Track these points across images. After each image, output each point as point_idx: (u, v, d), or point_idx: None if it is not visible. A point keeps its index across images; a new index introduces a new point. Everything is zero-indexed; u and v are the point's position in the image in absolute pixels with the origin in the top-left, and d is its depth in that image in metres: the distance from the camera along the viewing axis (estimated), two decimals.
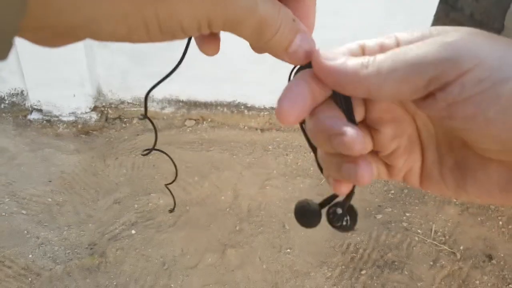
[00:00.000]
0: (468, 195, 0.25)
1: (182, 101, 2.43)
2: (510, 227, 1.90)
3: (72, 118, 2.31)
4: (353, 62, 0.22)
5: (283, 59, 0.25)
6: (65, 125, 2.32)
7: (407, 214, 1.93)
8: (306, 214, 0.30)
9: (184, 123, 2.41)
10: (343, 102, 0.25)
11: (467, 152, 0.24)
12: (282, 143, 2.32)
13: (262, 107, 2.44)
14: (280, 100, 0.24)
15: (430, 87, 0.21)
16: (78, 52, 2.14)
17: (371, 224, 1.87)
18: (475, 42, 0.20)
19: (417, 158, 0.27)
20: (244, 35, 0.22)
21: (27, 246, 1.70)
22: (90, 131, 2.31)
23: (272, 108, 2.45)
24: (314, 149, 0.29)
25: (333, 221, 0.28)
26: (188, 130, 2.37)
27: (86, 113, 2.33)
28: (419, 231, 1.86)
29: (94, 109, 2.37)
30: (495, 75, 0.19)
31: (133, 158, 2.13)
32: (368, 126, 0.27)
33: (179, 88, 2.35)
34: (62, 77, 2.21)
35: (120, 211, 1.86)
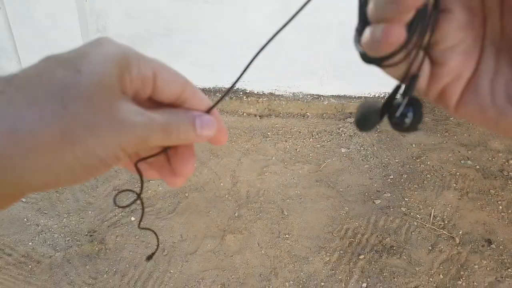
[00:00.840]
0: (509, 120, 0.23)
1: None
2: (510, 211, 1.90)
3: None
4: None
5: (201, 141, 0.29)
6: None
7: (406, 199, 1.93)
8: (365, 113, 0.27)
9: None
10: None
11: None
12: (281, 129, 2.31)
13: (261, 93, 2.43)
14: None
15: None
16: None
17: (370, 209, 1.87)
18: None
19: (471, 67, 0.25)
20: (158, 144, 0.27)
21: (27, 233, 1.71)
22: None
23: (271, 93, 2.43)
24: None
25: (393, 116, 0.25)
26: None
27: None
28: (418, 216, 1.85)
29: None
30: None
31: None
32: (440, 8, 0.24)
33: None
34: None
35: (119, 198, 1.87)
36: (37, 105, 0.22)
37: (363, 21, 0.25)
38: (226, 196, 1.90)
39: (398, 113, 0.25)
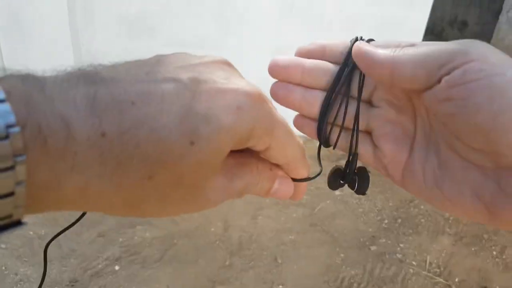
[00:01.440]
0: (443, 197, 0.26)
1: None
2: (503, 257, 1.88)
3: None
4: (383, 46, 0.27)
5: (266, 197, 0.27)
6: None
7: (401, 245, 1.89)
8: (331, 176, 0.32)
9: None
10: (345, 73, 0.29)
11: (452, 154, 0.26)
12: None
13: None
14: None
15: (441, 71, 0.24)
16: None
17: (366, 256, 1.82)
18: (484, 45, 0.24)
19: (404, 153, 0.29)
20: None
21: (5, 283, 1.60)
22: None
23: None
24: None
25: (345, 181, 0.31)
26: None
27: None
28: (413, 262, 1.81)
29: None
30: (494, 69, 0.23)
31: None
32: (371, 103, 0.30)
33: None
34: None
35: (104, 245, 1.79)
36: (124, 169, 0.19)
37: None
38: (217, 242, 1.83)
39: (346, 182, 0.31)
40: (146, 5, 2.16)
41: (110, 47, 2.20)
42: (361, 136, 0.30)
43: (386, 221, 2.02)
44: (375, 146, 0.30)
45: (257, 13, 2.12)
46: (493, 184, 0.24)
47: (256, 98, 0.22)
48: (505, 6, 3.01)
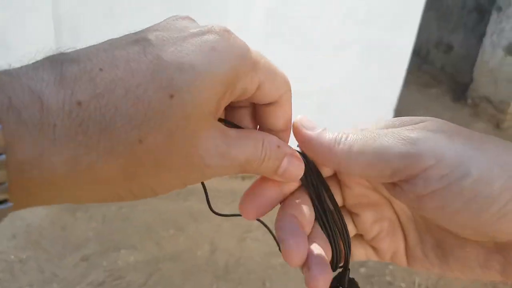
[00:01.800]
0: (453, 271, 0.26)
1: None
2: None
3: None
4: (328, 136, 0.25)
5: (275, 179, 0.26)
6: None
7: (390, 267, 1.87)
8: None
9: None
10: (312, 191, 0.27)
11: (445, 233, 0.26)
12: None
13: None
14: (242, 196, 0.26)
15: (395, 177, 0.23)
16: None
17: (355, 279, 1.79)
18: (436, 140, 0.22)
19: (401, 240, 0.29)
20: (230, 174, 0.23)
21: None
22: None
23: None
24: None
25: None
26: None
27: None
28: (402, 284, 1.79)
29: None
30: (456, 172, 0.21)
31: (105, 211, 2.03)
32: (349, 211, 0.29)
33: None
34: None
35: (88, 269, 1.74)
36: (110, 135, 0.18)
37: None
38: (203, 266, 1.79)
39: None
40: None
41: None
42: (358, 241, 0.30)
43: None
44: (374, 249, 0.30)
45: (245, 34, 2.14)
46: (498, 256, 0.24)
47: (228, 35, 0.20)
48: (489, 30, 3.09)
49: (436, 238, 0.27)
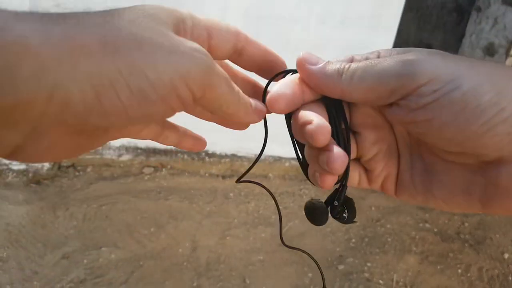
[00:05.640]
0: (435, 198, 0.27)
1: (141, 148, 2.37)
2: (468, 275, 1.91)
3: (22, 167, 2.19)
4: (331, 68, 0.26)
5: (244, 121, 0.28)
6: (14, 173, 2.19)
7: (368, 264, 1.91)
8: (314, 213, 0.31)
9: (142, 171, 2.34)
10: (331, 106, 0.28)
11: (434, 158, 0.27)
12: (244, 191, 2.29)
13: (224, 154, 2.42)
14: (273, 89, 0.27)
15: (393, 97, 0.24)
16: None
17: (334, 276, 1.82)
18: (431, 61, 0.23)
19: (395, 165, 0.30)
20: (217, 100, 0.24)
21: None
22: (42, 180, 2.19)
23: (233, 155, 2.43)
24: (296, 146, 0.31)
25: (333, 214, 0.30)
26: (146, 178, 2.29)
27: None
28: (380, 281, 1.83)
29: None
30: (447, 86, 0.22)
31: (85, 209, 2.02)
32: (352, 131, 0.30)
33: None
34: None
35: (68, 267, 1.74)
36: (75, 15, 0.19)
37: (303, 163, 0.31)
38: (185, 263, 1.81)
39: (336, 215, 0.30)
40: None
41: None
42: (353, 164, 0.31)
43: (353, 240, 2.04)
44: (367, 171, 0.31)
45: None
46: (480, 178, 0.25)
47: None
48: (468, 30, 3.15)
49: (426, 162, 0.28)
